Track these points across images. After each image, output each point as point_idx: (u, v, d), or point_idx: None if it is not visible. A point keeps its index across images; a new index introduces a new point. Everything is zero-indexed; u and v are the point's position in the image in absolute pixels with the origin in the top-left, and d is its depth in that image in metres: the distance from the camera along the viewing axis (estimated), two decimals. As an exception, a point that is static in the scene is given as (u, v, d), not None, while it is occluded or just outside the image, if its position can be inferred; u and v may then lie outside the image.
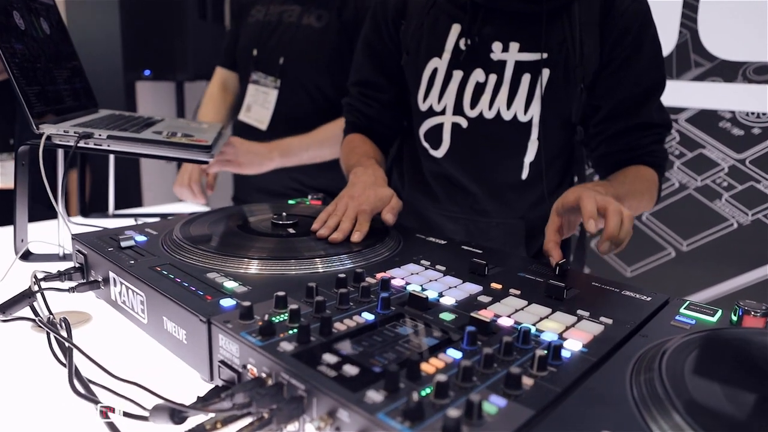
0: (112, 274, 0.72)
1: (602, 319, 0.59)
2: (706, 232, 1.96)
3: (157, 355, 0.63)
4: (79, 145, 0.89)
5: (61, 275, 0.76)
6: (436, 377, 0.41)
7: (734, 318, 0.60)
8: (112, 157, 1.28)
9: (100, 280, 0.75)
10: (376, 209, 0.89)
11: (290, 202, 1.12)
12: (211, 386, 0.54)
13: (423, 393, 0.42)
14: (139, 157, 0.96)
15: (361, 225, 0.84)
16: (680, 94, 1.93)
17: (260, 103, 1.53)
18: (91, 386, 0.54)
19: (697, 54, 1.88)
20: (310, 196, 1.13)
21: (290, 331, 0.52)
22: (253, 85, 1.55)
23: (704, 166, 1.94)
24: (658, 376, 0.44)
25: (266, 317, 0.52)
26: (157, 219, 1.01)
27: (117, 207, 1.36)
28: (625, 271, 2.13)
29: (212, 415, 0.44)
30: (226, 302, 0.59)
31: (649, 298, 0.66)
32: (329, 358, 0.47)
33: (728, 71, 1.84)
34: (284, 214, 0.90)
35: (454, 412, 0.37)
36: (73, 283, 0.75)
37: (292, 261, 0.73)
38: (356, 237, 0.82)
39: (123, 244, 0.76)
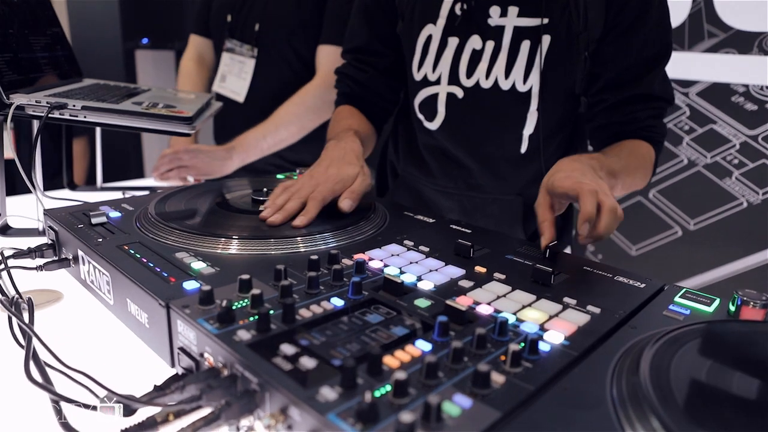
0: (80, 252, 0.69)
1: (589, 307, 0.56)
2: (714, 211, 1.90)
3: (126, 337, 0.61)
4: (52, 115, 0.86)
5: (31, 252, 0.74)
6: (394, 375, 0.38)
7: (732, 308, 0.56)
8: (98, 128, 1.24)
9: (70, 257, 0.72)
10: (334, 193, 0.82)
11: (279, 176, 1.08)
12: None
13: (382, 391, 0.39)
14: (116, 129, 0.92)
15: (308, 211, 0.77)
16: (692, 66, 1.85)
17: (236, 74, 1.46)
18: (49, 372, 0.51)
19: (710, 24, 1.80)
20: (298, 170, 1.09)
21: (251, 318, 0.49)
22: (228, 54, 1.47)
23: (715, 142, 1.87)
24: (640, 375, 0.40)
25: (225, 302, 0.48)
26: (146, 192, 0.98)
27: (116, 179, 1.33)
28: (630, 249, 2.09)
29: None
30: (190, 285, 0.55)
31: (643, 285, 0.62)
32: (287, 348, 0.44)
33: (743, 42, 1.76)
34: (265, 189, 0.86)
35: (407, 416, 0.34)
36: (42, 261, 0.73)
37: (271, 240, 0.70)
38: (298, 221, 0.76)
39: (94, 220, 0.73)
